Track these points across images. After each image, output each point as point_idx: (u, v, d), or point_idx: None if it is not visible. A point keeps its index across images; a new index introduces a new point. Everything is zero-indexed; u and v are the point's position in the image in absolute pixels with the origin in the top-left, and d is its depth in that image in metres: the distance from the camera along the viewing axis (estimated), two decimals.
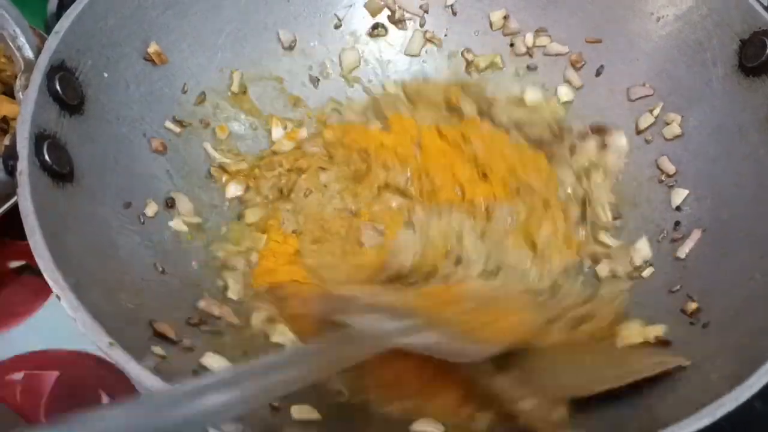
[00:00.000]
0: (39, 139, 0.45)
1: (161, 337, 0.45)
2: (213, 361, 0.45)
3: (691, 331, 0.50)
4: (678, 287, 0.54)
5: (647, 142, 0.62)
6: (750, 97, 0.55)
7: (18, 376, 0.58)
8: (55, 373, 0.58)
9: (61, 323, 0.60)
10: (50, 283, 0.39)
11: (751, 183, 0.54)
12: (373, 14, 0.69)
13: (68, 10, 0.50)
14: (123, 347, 0.38)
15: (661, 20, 0.61)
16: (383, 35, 0.69)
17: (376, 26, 0.69)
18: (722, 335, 0.47)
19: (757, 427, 0.55)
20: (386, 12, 0.69)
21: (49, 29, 0.48)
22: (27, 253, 0.40)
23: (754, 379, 0.39)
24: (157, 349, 0.43)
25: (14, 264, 0.66)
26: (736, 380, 0.39)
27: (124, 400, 0.32)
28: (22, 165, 0.43)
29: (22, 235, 0.41)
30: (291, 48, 0.67)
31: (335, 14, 0.68)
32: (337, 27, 0.69)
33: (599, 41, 0.66)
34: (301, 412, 0.45)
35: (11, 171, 0.44)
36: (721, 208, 0.55)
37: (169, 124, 0.59)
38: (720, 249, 0.53)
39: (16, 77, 0.53)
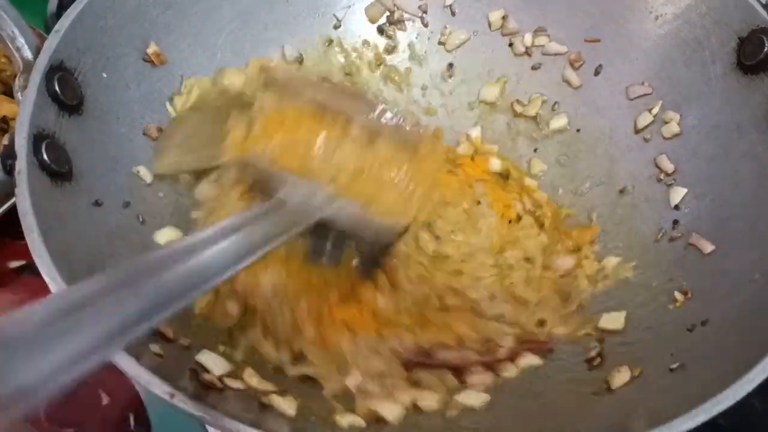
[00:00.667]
0: (37, 138, 0.45)
1: (159, 336, 0.45)
2: (208, 358, 0.45)
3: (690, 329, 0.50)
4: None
5: (646, 140, 0.62)
6: (748, 96, 0.55)
7: None
8: None
9: None
10: (48, 281, 0.40)
11: (750, 182, 0.54)
12: (373, 20, 0.70)
13: (68, 10, 0.50)
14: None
15: (660, 19, 0.61)
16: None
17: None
18: (720, 333, 0.47)
19: (755, 425, 0.55)
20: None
21: (48, 29, 0.49)
22: (27, 253, 0.40)
23: (750, 377, 0.39)
24: (155, 348, 0.43)
25: (14, 264, 0.66)
26: (733, 378, 0.39)
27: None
28: (21, 164, 0.44)
29: (21, 235, 0.41)
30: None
31: (334, 15, 0.68)
32: (336, 27, 0.69)
33: (598, 40, 0.66)
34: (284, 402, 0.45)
35: (10, 170, 0.44)
36: (720, 208, 0.55)
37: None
38: (719, 248, 0.53)
39: (15, 77, 0.53)
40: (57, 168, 0.46)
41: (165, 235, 0.54)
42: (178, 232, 0.55)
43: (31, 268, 0.64)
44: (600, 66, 0.66)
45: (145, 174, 0.55)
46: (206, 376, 0.43)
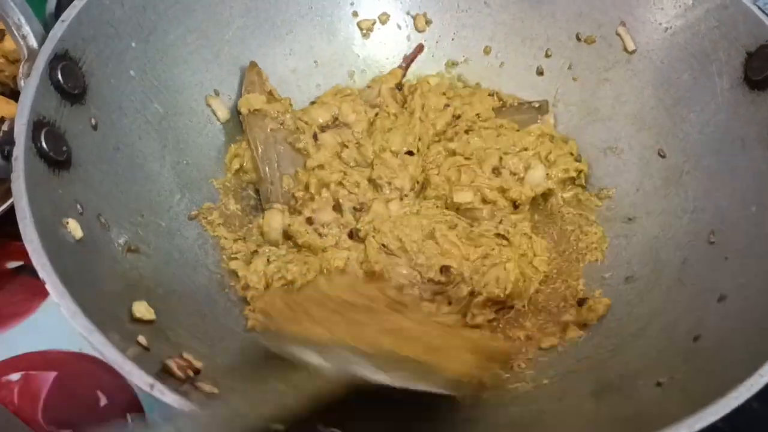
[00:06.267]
0: (37, 126, 0.45)
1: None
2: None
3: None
4: None
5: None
6: (754, 111, 0.54)
7: (16, 376, 0.58)
8: (52, 374, 0.58)
9: (58, 324, 0.61)
10: (36, 267, 0.39)
11: (751, 198, 0.53)
12: None
13: (75, 0, 0.51)
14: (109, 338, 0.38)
15: (669, 30, 0.61)
16: None
17: None
18: (718, 347, 0.46)
19: (755, 427, 0.55)
20: None
21: (47, 29, 0.49)
22: (25, 254, 0.40)
23: (749, 383, 0.38)
24: (141, 339, 0.43)
25: (12, 264, 0.66)
26: (731, 384, 0.38)
27: None
28: (18, 150, 0.44)
29: (20, 236, 0.41)
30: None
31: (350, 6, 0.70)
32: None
33: None
34: None
35: (7, 156, 0.44)
36: (719, 223, 0.54)
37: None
38: (718, 263, 0.52)
39: (14, 77, 0.53)
40: (55, 156, 0.46)
41: None
42: None
43: (29, 269, 0.64)
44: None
45: (75, 227, 0.46)
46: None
